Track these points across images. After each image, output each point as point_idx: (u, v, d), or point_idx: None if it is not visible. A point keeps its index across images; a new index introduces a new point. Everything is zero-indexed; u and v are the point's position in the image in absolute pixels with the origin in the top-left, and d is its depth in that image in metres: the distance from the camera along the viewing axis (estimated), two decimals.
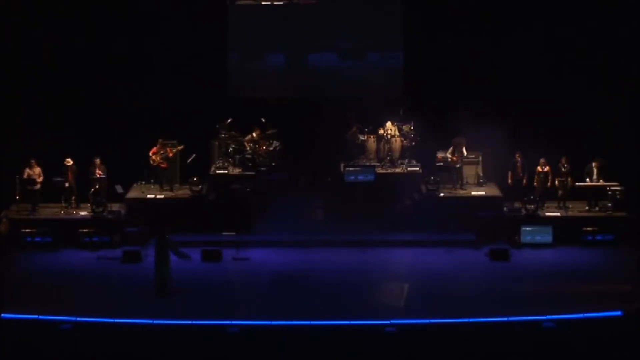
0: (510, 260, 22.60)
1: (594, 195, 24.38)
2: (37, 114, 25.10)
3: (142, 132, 25.04)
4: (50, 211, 24.32)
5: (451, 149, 24.82)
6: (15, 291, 20.01)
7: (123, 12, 25.17)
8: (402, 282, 20.79)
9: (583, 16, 24.98)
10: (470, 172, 25.19)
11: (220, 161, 25.31)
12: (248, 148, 25.02)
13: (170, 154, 24.73)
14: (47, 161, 24.35)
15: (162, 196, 24.60)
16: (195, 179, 24.62)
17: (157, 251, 20.45)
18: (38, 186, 24.20)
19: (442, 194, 24.60)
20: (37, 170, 24.18)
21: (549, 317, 18.53)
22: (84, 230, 23.49)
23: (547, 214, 24.20)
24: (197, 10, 25.42)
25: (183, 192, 24.83)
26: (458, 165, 24.82)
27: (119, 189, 24.29)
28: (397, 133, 25.21)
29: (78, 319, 18.49)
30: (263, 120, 25.15)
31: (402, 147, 25.34)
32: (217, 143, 25.50)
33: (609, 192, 24.19)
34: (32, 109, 25.12)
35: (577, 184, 24.43)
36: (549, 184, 24.40)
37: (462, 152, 24.72)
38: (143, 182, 25.25)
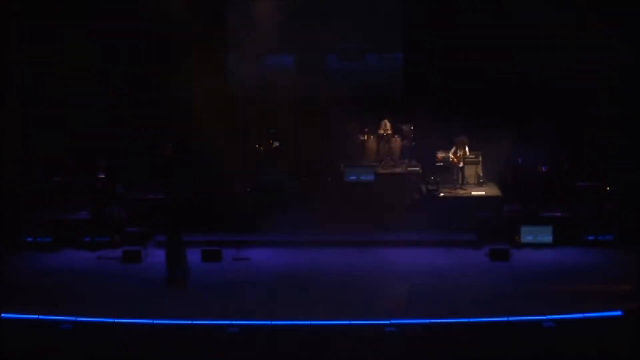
0: (510, 260, 22.61)
1: (594, 195, 24.40)
2: (37, 113, 25.12)
3: (142, 132, 25.06)
4: (51, 211, 24.30)
5: (454, 148, 24.83)
6: (15, 291, 20.03)
7: (123, 12, 25.17)
8: (402, 282, 20.81)
9: (583, 15, 24.99)
10: (470, 172, 25.18)
11: None
12: None
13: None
14: (47, 161, 24.35)
15: (162, 196, 24.60)
16: None
17: (170, 246, 20.71)
18: (40, 185, 24.21)
19: (442, 194, 24.61)
20: (40, 169, 24.20)
21: (549, 317, 18.53)
22: (84, 230, 23.50)
23: (547, 214, 24.21)
24: (197, 10, 25.41)
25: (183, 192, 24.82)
26: (460, 165, 24.84)
27: (119, 188, 24.31)
28: (393, 132, 25.25)
29: (78, 319, 18.49)
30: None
31: (402, 147, 25.36)
32: None
33: (609, 192, 24.21)
34: (33, 108, 25.13)
35: (577, 183, 24.44)
36: (549, 184, 24.42)
37: (465, 151, 24.73)
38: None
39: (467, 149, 24.71)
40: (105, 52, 25.29)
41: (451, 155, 24.81)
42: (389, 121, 25.44)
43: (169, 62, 25.24)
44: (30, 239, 23.22)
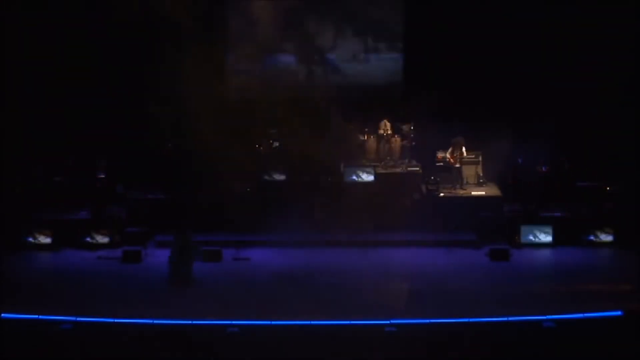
0: (510, 260, 22.61)
1: (594, 195, 24.40)
2: (37, 113, 25.11)
3: (142, 132, 25.05)
4: (51, 211, 24.30)
5: (451, 149, 24.83)
6: (15, 291, 20.03)
7: (123, 12, 25.14)
8: (402, 282, 20.81)
9: (583, 15, 25.01)
10: (470, 172, 25.17)
11: None
12: None
13: None
14: (47, 161, 24.36)
15: (162, 196, 24.61)
16: None
17: (177, 245, 20.70)
18: (40, 185, 24.22)
19: (442, 194, 24.61)
20: (40, 169, 24.20)
21: (549, 317, 18.53)
22: (84, 230, 23.49)
23: (547, 214, 24.21)
24: (197, 10, 25.40)
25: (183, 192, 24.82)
26: (457, 166, 24.83)
27: (119, 188, 24.31)
28: (393, 132, 25.25)
29: (78, 319, 18.49)
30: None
31: (402, 147, 25.37)
32: None
33: (609, 192, 24.21)
34: (33, 108, 25.13)
35: (577, 183, 24.45)
36: (549, 184, 24.42)
37: (461, 152, 24.74)
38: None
39: (463, 149, 24.72)
40: (104, 52, 25.28)
41: (448, 156, 24.82)
42: (389, 121, 25.46)
43: (168, 62, 25.20)
44: (30, 239, 23.21)
